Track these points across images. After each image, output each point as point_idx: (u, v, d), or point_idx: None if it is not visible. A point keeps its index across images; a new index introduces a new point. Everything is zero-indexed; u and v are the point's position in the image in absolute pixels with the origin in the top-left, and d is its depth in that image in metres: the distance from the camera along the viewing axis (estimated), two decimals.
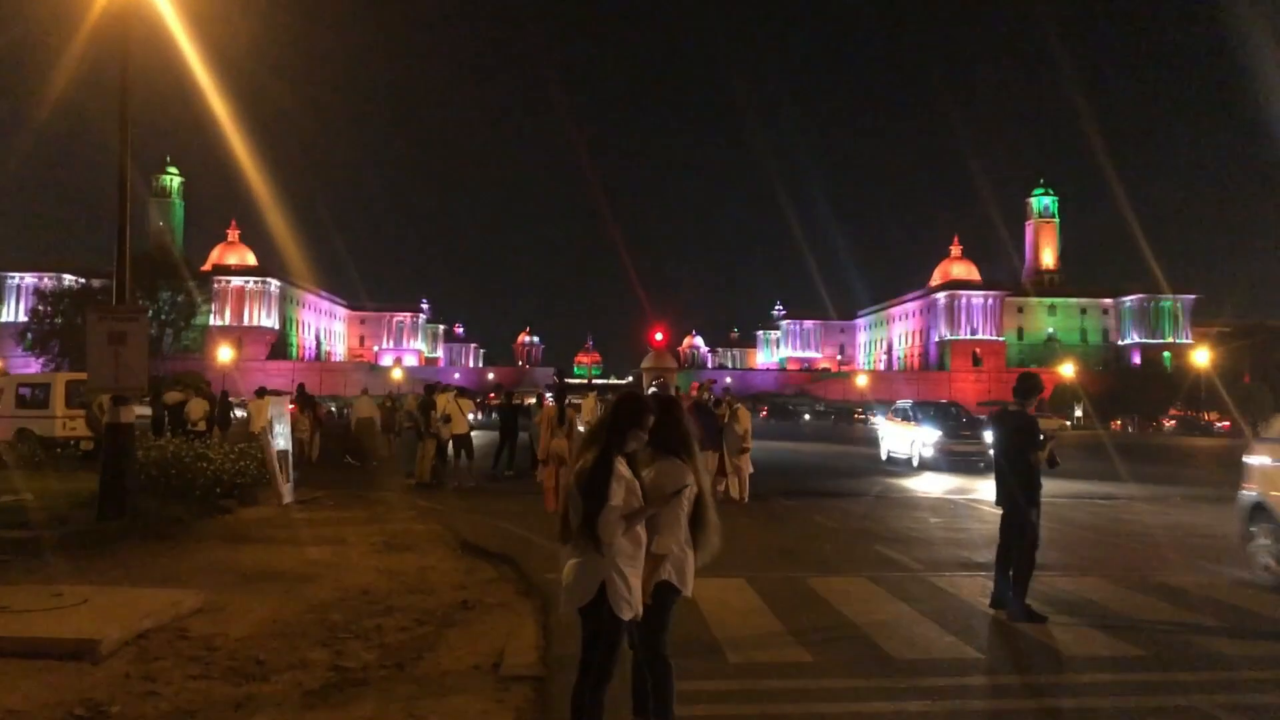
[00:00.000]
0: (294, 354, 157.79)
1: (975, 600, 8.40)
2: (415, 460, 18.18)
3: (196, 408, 21.01)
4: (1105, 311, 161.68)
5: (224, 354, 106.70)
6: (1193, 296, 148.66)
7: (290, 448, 14.78)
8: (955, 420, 26.89)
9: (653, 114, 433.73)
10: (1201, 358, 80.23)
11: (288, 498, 13.92)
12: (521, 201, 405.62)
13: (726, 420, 15.91)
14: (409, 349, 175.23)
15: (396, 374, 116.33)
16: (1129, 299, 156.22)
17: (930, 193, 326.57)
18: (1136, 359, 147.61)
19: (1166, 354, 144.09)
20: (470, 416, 18.76)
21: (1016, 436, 7.88)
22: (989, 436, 22.09)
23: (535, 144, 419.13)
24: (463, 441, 17.81)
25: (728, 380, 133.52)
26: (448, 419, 17.64)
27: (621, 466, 4.21)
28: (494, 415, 23.68)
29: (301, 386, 23.48)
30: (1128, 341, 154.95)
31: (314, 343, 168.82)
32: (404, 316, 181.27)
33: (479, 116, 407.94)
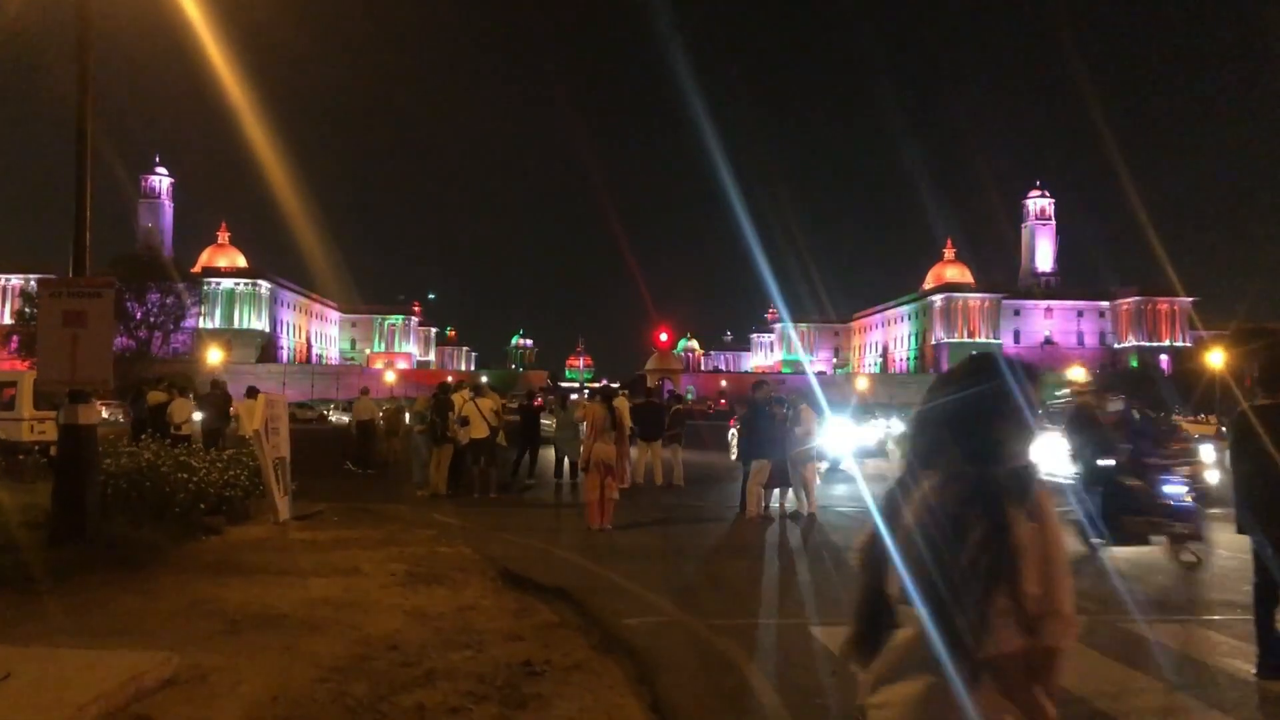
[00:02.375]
0: (288, 357, 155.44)
1: (1218, 660, 6.31)
2: (426, 468, 16.08)
3: (180, 409, 18.84)
4: (1102, 314, 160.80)
5: (213, 356, 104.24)
6: (1190, 299, 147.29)
7: (289, 454, 12.66)
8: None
9: (645, 115, 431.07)
10: (1216, 359, 78.40)
11: (285, 513, 11.81)
12: (515, 204, 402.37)
13: (788, 423, 13.86)
14: (401, 352, 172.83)
15: (389, 377, 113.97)
16: (1126, 301, 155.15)
17: (924, 195, 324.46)
18: (1134, 362, 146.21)
19: (1164, 356, 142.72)
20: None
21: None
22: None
23: (531, 148, 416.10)
24: (482, 447, 15.70)
25: (711, 384, 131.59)
26: (465, 421, 15.54)
27: None
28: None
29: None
30: (1125, 344, 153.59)
31: (305, 345, 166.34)
32: (396, 319, 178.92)
33: (474, 119, 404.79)
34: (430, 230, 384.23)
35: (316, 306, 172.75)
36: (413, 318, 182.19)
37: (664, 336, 52.20)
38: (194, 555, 9.41)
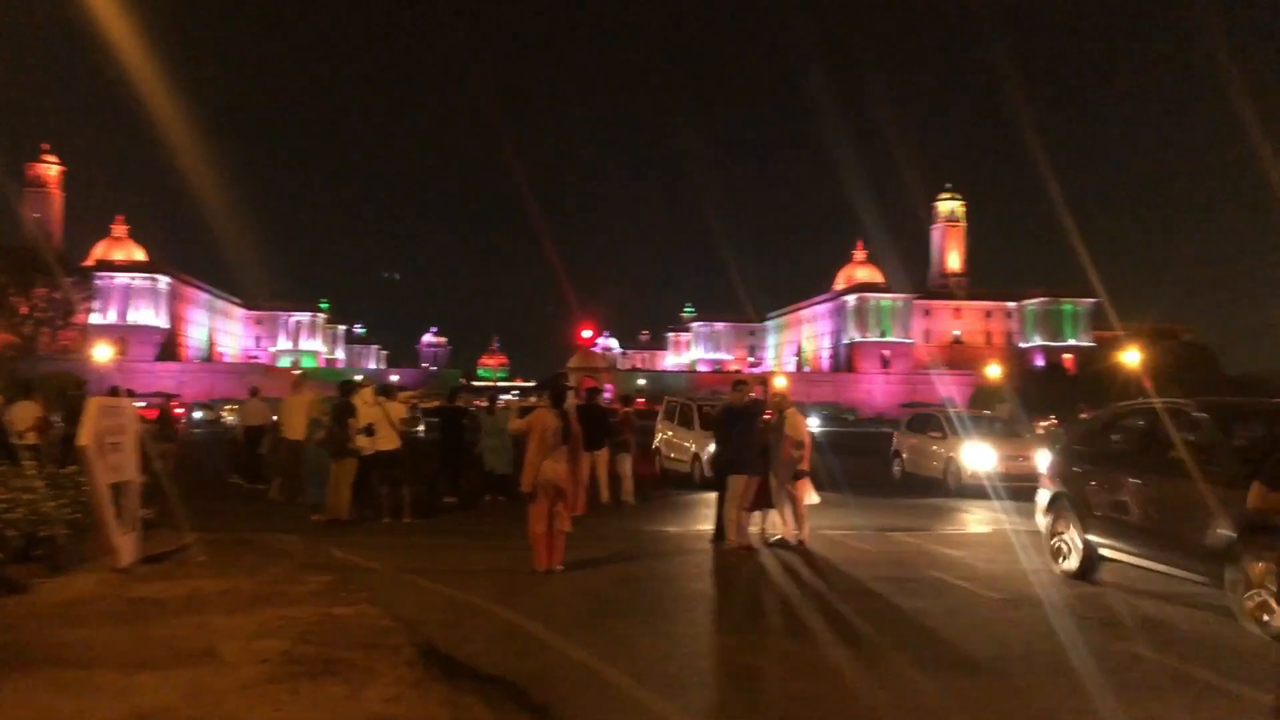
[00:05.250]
0: (207, 355, 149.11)
1: None
2: (325, 488, 13.13)
3: (23, 415, 15.58)
4: (1009, 314, 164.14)
5: (102, 353, 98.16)
6: (1093, 300, 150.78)
7: (139, 476, 9.74)
8: None
9: (565, 109, 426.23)
10: (1131, 358, 79.11)
11: (128, 556, 8.90)
12: (428, 197, 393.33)
13: (773, 431, 11.44)
14: (308, 349, 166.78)
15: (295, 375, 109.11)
16: (1031, 302, 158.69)
17: (840, 196, 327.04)
18: (1039, 361, 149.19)
19: (1068, 356, 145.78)
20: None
21: None
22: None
23: (446, 139, 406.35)
24: (393, 462, 12.90)
25: (629, 383, 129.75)
26: (371, 430, 12.73)
27: None
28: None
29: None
30: (1031, 344, 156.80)
31: (206, 343, 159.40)
32: (302, 316, 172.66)
33: (385, 109, 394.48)
34: (339, 224, 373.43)
35: (220, 303, 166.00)
36: (320, 315, 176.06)
37: (587, 333, 49.55)
38: None
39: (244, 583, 8.50)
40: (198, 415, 60.34)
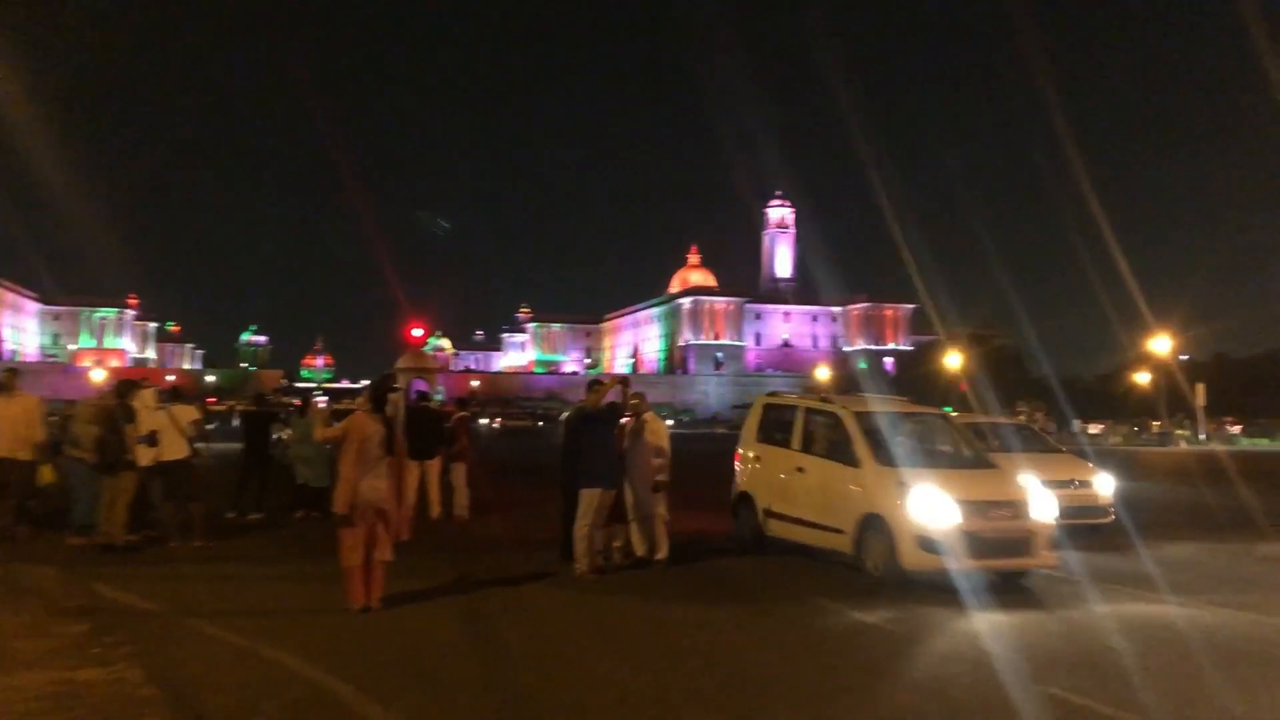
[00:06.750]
0: None
1: None
2: (97, 505, 10.99)
3: None
4: (834, 319, 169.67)
5: None
6: (912, 305, 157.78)
7: None
8: None
9: (392, 104, 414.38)
10: (954, 361, 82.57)
11: None
12: (246, 187, 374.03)
13: (630, 437, 10.21)
14: (113, 348, 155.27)
15: (97, 376, 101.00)
16: (856, 307, 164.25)
17: (676, 200, 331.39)
18: (862, 364, 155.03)
19: (889, 360, 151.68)
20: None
21: None
22: None
23: (265, 125, 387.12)
24: (179, 474, 10.94)
25: (461, 384, 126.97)
26: (153, 439, 10.74)
27: None
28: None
29: None
30: (855, 348, 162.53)
31: None
32: (108, 312, 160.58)
33: (199, 95, 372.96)
34: (152, 213, 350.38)
35: (9, 295, 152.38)
36: (128, 311, 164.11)
37: (417, 332, 47.28)
38: None
39: None
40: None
